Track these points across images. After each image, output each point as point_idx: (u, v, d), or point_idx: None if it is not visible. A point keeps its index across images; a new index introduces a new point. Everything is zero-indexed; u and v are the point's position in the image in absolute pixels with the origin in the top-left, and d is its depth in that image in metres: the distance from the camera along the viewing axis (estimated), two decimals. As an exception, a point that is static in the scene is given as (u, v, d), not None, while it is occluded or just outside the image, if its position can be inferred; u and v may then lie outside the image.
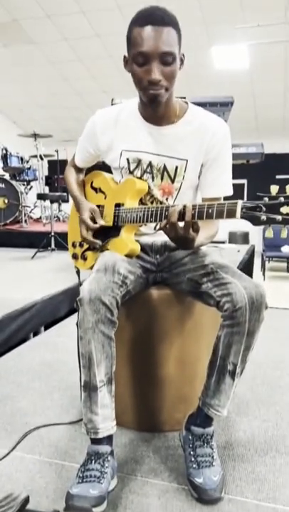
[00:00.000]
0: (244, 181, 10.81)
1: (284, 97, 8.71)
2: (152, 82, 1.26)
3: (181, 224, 1.22)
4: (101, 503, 1.14)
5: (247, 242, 9.64)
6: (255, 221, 1.09)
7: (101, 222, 1.52)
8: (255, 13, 6.16)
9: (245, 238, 10.26)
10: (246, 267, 4.39)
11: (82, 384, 1.26)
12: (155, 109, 1.37)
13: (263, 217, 1.09)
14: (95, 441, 1.26)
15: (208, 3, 6.18)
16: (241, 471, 1.35)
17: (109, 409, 1.27)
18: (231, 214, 1.13)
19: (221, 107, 3.49)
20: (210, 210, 1.17)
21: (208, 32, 6.84)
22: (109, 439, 1.27)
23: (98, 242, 1.52)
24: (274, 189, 1.09)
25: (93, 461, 1.22)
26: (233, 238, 10.07)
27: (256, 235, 9.62)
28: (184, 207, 1.21)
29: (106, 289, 1.23)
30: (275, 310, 3.46)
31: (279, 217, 1.07)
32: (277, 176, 10.22)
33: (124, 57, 1.34)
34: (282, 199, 1.07)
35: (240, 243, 9.09)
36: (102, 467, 1.21)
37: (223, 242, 6.10)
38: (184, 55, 1.33)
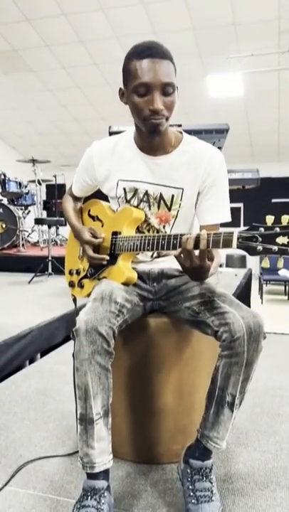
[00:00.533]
0: (240, 205, 10.89)
1: (278, 123, 8.87)
2: (155, 112, 1.28)
3: (196, 253, 1.19)
4: None
5: (244, 266, 9.65)
6: (251, 251, 1.09)
7: (102, 235, 1.51)
8: (249, 42, 6.33)
9: (242, 261, 10.27)
10: (244, 291, 4.39)
11: (78, 417, 1.23)
12: (153, 139, 1.39)
13: (259, 248, 1.08)
14: (91, 476, 1.22)
15: (203, 34, 6.36)
16: (241, 506, 1.32)
17: (105, 442, 1.24)
18: (227, 244, 1.13)
19: (216, 134, 3.54)
20: (208, 239, 1.16)
21: (203, 62, 7.01)
22: (105, 474, 1.23)
23: (106, 257, 1.48)
24: (269, 219, 1.09)
25: (89, 497, 1.18)
26: (231, 261, 10.09)
27: (253, 258, 9.64)
28: (199, 235, 1.17)
29: (103, 319, 1.21)
30: (273, 335, 3.44)
31: (275, 248, 1.07)
32: (273, 200, 10.32)
33: (120, 89, 1.36)
34: (277, 229, 1.07)
35: (237, 266, 9.12)
36: (98, 503, 1.17)
37: (220, 266, 6.11)
38: (177, 87, 1.35)
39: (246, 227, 1.13)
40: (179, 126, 3.62)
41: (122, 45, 6.53)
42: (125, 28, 6.34)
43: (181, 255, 1.20)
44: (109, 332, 1.21)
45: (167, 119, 1.32)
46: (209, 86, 7.62)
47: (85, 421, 1.21)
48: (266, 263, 1.12)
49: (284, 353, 2.90)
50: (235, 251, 10.81)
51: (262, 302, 7.66)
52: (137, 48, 1.31)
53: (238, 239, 1.11)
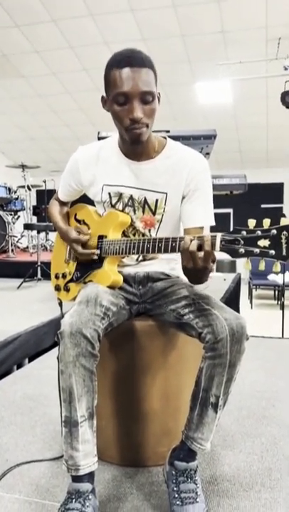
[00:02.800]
0: (230, 210, 10.95)
1: (266, 129, 8.96)
2: (135, 120, 1.30)
3: (202, 254, 1.17)
4: None
5: (234, 271, 9.68)
6: (234, 254, 1.11)
7: (89, 231, 1.53)
8: (237, 50, 6.41)
9: (232, 266, 10.30)
10: (233, 296, 4.41)
11: (63, 419, 1.24)
12: (136, 147, 1.41)
13: (241, 250, 1.11)
14: (76, 479, 1.22)
15: (192, 41, 6.43)
16: (226, 507, 1.33)
17: (90, 444, 1.24)
18: (211, 247, 1.15)
19: (204, 140, 3.58)
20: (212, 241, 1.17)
21: (192, 68, 7.09)
22: (90, 476, 1.24)
23: (95, 251, 1.49)
24: (251, 223, 1.11)
25: (74, 500, 1.19)
26: (220, 266, 10.12)
27: (243, 262, 9.69)
28: (203, 237, 1.17)
29: (87, 322, 1.22)
30: (262, 339, 3.47)
31: (257, 250, 1.10)
32: (262, 205, 10.41)
33: (103, 97, 1.38)
34: (259, 232, 1.10)
35: (227, 271, 9.13)
36: (82, 506, 1.17)
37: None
38: (159, 93, 1.37)
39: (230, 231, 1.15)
40: (167, 132, 3.66)
41: (112, 51, 6.37)
42: (115, 35, 6.38)
43: (186, 259, 1.20)
44: (94, 335, 1.22)
45: (148, 126, 1.34)
46: (198, 92, 7.70)
47: (70, 423, 1.22)
48: (248, 265, 1.15)
49: (271, 357, 2.93)
50: (225, 256, 10.87)
51: (251, 307, 7.71)
52: (116, 56, 1.32)
53: (221, 242, 1.13)
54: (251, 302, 7.91)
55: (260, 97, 7.66)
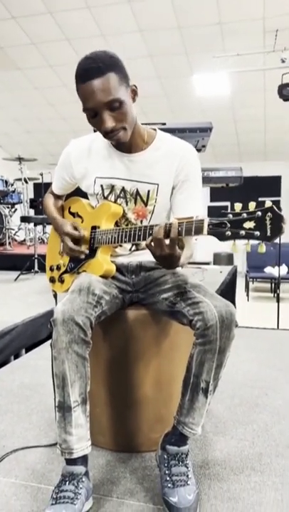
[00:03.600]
0: (228, 203, 10.97)
1: (264, 122, 8.95)
2: (107, 131, 1.33)
3: (167, 242, 1.23)
4: (74, 524, 1.14)
5: (231, 263, 9.72)
6: (221, 237, 1.14)
7: (84, 231, 1.54)
8: (235, 42, 6.40)
9: (229, 259, 10.34)
10: (228, 288, 4.44)
11: (57, 404, 1.27)
12: (123, 144, 1.43)
13: (228, 233, 1.13)
14: (70, 462, 1.26)
15: (189, 34, 6.41)
16: (216, 490, 1.36)
17: (84, 429, 1.27)
18: (199, 231, 1.17)
19: (200, 132, 3.59)
20: (179, 228, 1.21)
21: (189, 61, 7.07)
22: (84, 460, 1.27)
23: (85, 250, 1.52)
24: (238, 206, 1.14)
25: (67, 482, 1.22)
26: (218, 259, 10.15)
27: (240, 255, 9.74)
28: (170, 224, 1.22)
29: (79, 310, 1.25)
30: (258, 330, 3.50)
31: (242, 232, 1.12)
32: (260, 198, 10.36)
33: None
34: (244, 215, 1.12)
35: (224, 264, 9.17)
36: (76, 488, 1.21)
37: (207, 264, 6.17)
38: (135, 85, 1.37)
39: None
40: (163, 124, 3.67)
41: (109, 43, 6.56)
42: (111, 27, 6.37)
43: (152, 243, 1.25)
44: (86, 322, 1.25)
45: (125, 128, 1.35)
46: (196, 85, 7.68)
47: (63, 408, 1.25)
48: (235, 249, 1.17)
49: (266, 347, 2.96)
50: (222, 249, 10.90)
51: (248, 299, 7.76)
52: (78, 70, 1.31)
53: (208, 225, 1.16)
54: (248, 295, 7.96)
55: (258, 89, 7.65)
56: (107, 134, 1.35)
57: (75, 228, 1.56)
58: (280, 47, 6.25)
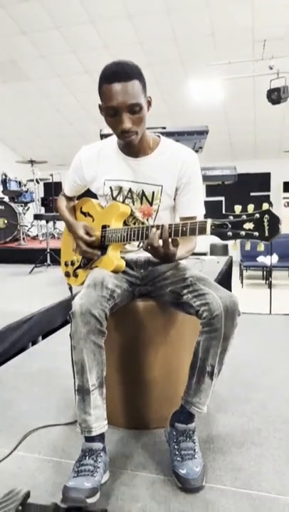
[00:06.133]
0: (222, 198, 10.94)
1: (254, 124, 8.90)
2: (124, 131, 1.33)
3: (161, 242, 1.25)
4: (94, 494, 1.16)
5: (226, 253, 9.71)
6: (223, 236, 1.15)
7: (96, 233, 1.54)
8: (226, 51, 6.34)
9: (224, 250, 10.32)
10: (225, 277, 4.45)
11: (76, 388, 1.28)
12: (131, 147, 1.44)
13: (229, 233, 1.14)
14: (89, 439, 1.27)
15: (185, 44, 6.36)
16: (220, 462, 1.38)
17: (101, 409, 1.29)
18: (202, 231, 1.19)
19: (197, 135, 3.58)
20: (184, 228, 1.22)
21: (185, 69, 7.01)
22: (101, 437, 1.29)
23: (98, 252, 1.53)
24: (237, 208, 1.15)
25: (87, 457, 1.24)
26: (214, 250, 10.13)
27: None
28: (162, 227, 1.25)
29: (95, 303, 1.26)
30: (250, 315, 3.51)
31: (243, 233, 1.13)
32: (252, 194, 10.39)
33: (99, 105, 1.39)
34: (244, 217, 1.13)
35: (220, 254, 9.15)
36: (95, 462, 1.23)
37: (205, 254, 6.16)
38: (150, 97, 1.38)
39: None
40: (164, 128, 3.66)
41: (112, 54, 6.49)
42: (114, 39, 6.31)
43: (148, 247, 1.27)
44: (102, 314, 1.25)
45: (137, 133, 1.36)
46: (192, 91, 7.60)
47: (83, 392, 1.26)
48: (236, 247, 1.18)
49: (260, 331, 2.98)
50: (217, 240, 10.91)
51: (242, 286, 7.76)
52: (105, 71, 1.32)
53: (211, 226, 1.16)
54: (242, 282, 7.96)
55: (248, 94, 7.59)
56: (122, 134, 1.35)
57: (88, 233, 1.55)
58: (268, 55, 6.18)
